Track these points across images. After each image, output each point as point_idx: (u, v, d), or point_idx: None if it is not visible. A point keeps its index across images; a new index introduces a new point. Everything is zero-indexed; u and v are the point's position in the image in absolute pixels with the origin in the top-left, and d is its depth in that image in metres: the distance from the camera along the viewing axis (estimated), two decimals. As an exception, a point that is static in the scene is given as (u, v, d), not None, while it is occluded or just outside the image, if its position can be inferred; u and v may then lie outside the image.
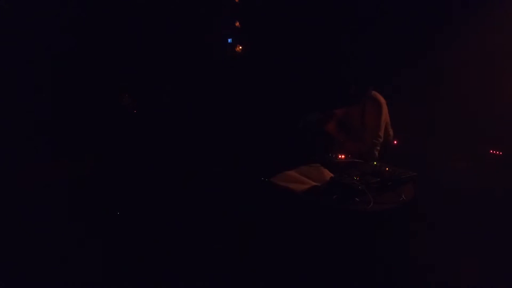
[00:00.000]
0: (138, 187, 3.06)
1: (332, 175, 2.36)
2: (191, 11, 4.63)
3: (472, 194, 2.90)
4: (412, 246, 2.34)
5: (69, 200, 2.79)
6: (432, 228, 2.57)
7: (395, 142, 3.07)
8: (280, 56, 4.76)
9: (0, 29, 3.50)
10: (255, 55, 4.79)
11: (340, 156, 2.67)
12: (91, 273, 2.26)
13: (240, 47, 4.89)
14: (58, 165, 3.18)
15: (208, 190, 2.95)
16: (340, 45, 4.52)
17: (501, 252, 2.49)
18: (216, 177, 3.06)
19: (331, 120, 2.94)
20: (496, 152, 3.21)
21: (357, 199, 2.10)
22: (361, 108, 2.88)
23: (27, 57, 3.59)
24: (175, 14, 4.59)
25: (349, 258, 2.12)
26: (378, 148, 2.86)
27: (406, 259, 2.29)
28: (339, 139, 2.91)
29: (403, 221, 2.20)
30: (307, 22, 4.74)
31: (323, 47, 4.65)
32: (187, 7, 4.60)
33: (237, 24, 4.85)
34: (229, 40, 4.96)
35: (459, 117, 3.55)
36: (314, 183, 2.28)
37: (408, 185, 2.30)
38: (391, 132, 3.03)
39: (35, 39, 3.66)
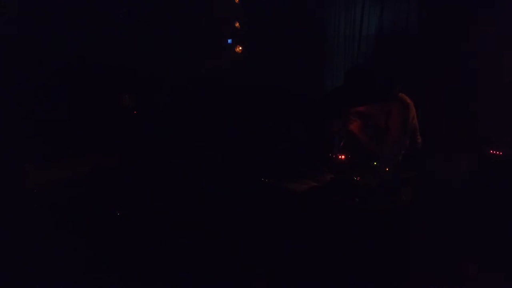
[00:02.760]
0: (138, 187, 3.06)
1: (332, 175, 2.36)
2: (191, 11, 4.63)
3: (472, 194, 2.90)
4: (412, 246, 2.34)
5: (68, 201, 2.79)
6: (432, 228, 2.57)
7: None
8: (283, 55, 4.77)
9: (1, 29, 3.50)
10: (256, 55, 4.79)
11: (340, 157, 2.67)
12: (90, 274, 2.26)
13: (240, 48, 4.89)
14: (58, 165, 3.18)
15: (208, 190, 2.95)
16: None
17: (501, 252, 2.49)
18: (216, 178, 3.06)
19: (355, 120, 2.78)
20: (496, 152, 3.20)
21: (357, 199, 2.11)
22: (386, 109, 2.70)
23: (28, 58, 3.60)
24: (175, 14, 4.59)
25: (349, 258, 2.12)
26: (402, 152, 2.71)
27: (406, 259, 2.29)
28: (362, 140, 2.81)
29: (403, 221, 2.20)
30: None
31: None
32: (186, 7, 4.61)
33: (237, 24, 4.85)
34: (229, 41, 4.97)
35: (459, 117, 3.56)
36: (314, 183, 2.28)
37: (408, 185, 2.30)
38: (419, 140, 2.85)
39: (35, 40, 3.66)
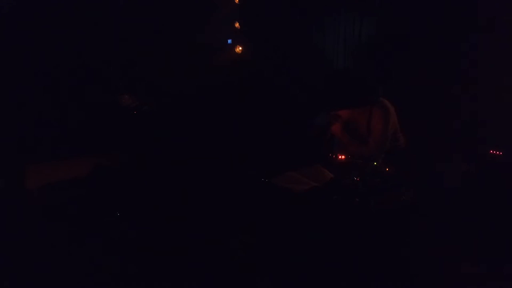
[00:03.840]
0: (138, 187, 3.06)
1: (332, 175, 2.36)
2: (191, 12, 4.63)
3: (472, 195, 2.90)
4: (412, 246, 2.34)
5: (68, 201, 2.79)
6: (432, 228, 2.57)
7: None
8: (282, 56, 4.76)
9: (3, 29, 3.51)
10: (256, 55, 4.79)
11: (340, 157, 2.67)
12: (90, 274, 2.26)
13: (240, 48, 4.89)
14: (58, 165, 3.18)
15: (209, 190, 2.95)
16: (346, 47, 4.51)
17: (501, 252, 2.49)
18: (216, 178, 3.06)
19: (336, 121, 2.88)
20: (496, 152, 3.20)
21: (357, 199, 2.11)
22: (367, 112, 2.78)
23: (29, 58, 3.60)
24: (175, 14, 4.59)
25: (349, 258, 2.12)
26: (382, 155, 2.77)
27: (406, 259, 2.29)
28: (343, 141, 2.85)
29: (403, 221, 2.20)
30: (310, 22, 4.72)
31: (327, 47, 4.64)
32: (186, 8, 4.61)
33: (237, 25, 4.85)
34: (229, 41, 4.96)
35: (459, 117, 3.56)
36: (314, 184, 2.28)
37: (408, 185, 2.30)
38: (401, 139, 2.90)
39: (37, 40, 3.66)
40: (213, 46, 4.79)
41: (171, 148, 3.60)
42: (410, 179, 2.33)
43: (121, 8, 4.23)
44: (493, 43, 3.47)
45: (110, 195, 2.93)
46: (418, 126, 3.53)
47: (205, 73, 4.68)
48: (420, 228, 2.42)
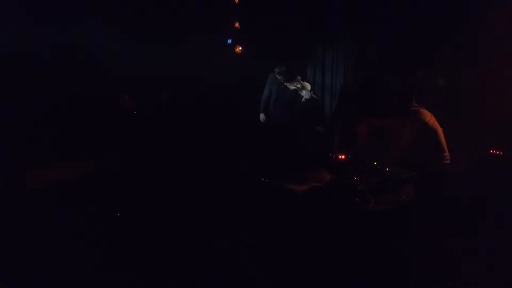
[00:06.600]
0: (138, 187, 3.06)
1: (332, 175, 2.36)
2: (191, 12, 4.63)
3: (472, 195, 2.90)
4: (412, 246, 2.34)
5: (69, 202, 2.79)
6: (433, 228, 2.57)
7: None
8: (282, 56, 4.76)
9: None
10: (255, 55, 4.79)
11: (340, 157, 2.67)
12: (89, 273, 2.26)
13: (240, 48, 4.89)
14: (58, 165, 3.18)
15: (209, 190, 2.95)
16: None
17: (501, 252, 2.50)
18: (217, 178, 3.06)
19: (363, 123, 2.83)
20: (496, 152, 3.20)
21: (357, 199, 2.11)
22: (401, 125, 2.71)
23: (27, 58, 3.60)
24: (175, 15, 4.59)
25: (349, 258, 2.12)
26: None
27: (406, 259, 2.29)
28: (366, 142, 2.82)
29: (403, 221, 2.20)
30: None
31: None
32: (186, 8, 4.61)
33: (237, 24, 4.85)
34: (229, 41, 4.96)
35: (459, 117, 3.55)
36: (314, 184, 2.28)
37: (408, 185, 2.30)
38: (443, 159, 2.76)
39: (35, 37, 3.66)
40: (214, 46, 4.79)
41: (171, 148, 3.61)
42: (411, 178, 2.33)
43: (121, 8, 4.23)
44: (493, 44, 3.47)
45: (110, 195, 2.93)
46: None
47: (206, 72, 4.68)
48: (420, 228, 2.43)
